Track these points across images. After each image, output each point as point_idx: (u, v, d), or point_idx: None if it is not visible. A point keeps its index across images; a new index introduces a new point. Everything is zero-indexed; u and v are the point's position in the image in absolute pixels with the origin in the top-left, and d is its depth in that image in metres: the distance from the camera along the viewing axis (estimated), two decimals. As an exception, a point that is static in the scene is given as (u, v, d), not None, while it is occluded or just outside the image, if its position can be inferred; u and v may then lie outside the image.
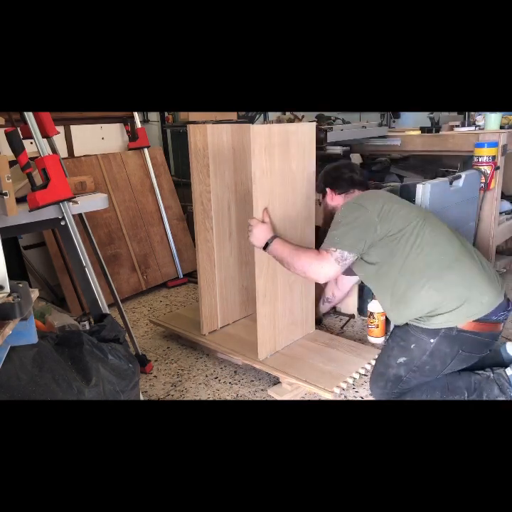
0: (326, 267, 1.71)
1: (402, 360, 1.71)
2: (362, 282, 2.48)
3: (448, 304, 1.62)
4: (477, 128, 2.95)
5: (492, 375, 1.71)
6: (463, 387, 1.68)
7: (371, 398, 1.88)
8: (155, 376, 2.11)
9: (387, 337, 2.13)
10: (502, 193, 2.81)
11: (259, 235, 1.83)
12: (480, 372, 1.73)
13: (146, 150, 3.20)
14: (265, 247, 1.83)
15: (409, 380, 1.71)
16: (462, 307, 1.61)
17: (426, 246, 1.67)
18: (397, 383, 1.72)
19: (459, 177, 2.42)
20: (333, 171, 2.02)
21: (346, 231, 1.71)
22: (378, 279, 1.77)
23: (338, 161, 2.31)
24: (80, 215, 1.87)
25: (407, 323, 1.73)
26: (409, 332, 1.71)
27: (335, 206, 1.95)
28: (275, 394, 1.90)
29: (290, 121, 3.53)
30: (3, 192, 1.36)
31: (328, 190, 1.99)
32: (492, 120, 2.79)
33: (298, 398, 1.91)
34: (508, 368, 1.70)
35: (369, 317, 2.27)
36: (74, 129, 3.05)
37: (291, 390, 1.90)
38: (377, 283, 1.80)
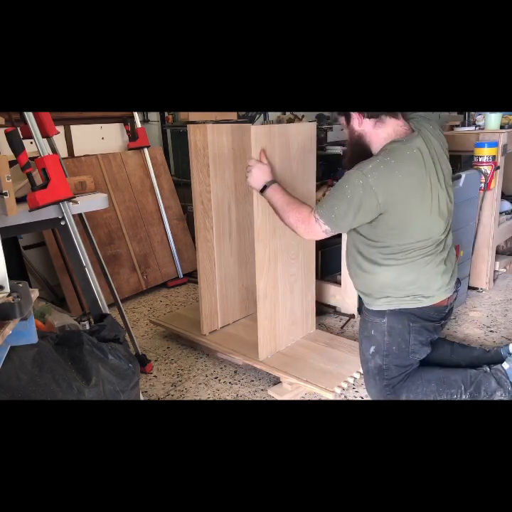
0: (313, 234, 1.69)
1: (372, 349, 1.74)
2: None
3: (397, 292, 1.69)
4: (477, 128, 2.95)
5: (489, 369, 1.71)
6: (459, 380, 1.68)
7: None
8: (155, 376, 2.11)
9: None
10: (502, 193, 2.81)
11: (258, 176, 1.76)
12: (477, 368, 1.74)
13: (146, 150, 3.20)
14: (263, 190, 1.77)
15: (390, 368, 1.71)
16: (407, 299, 1.69)
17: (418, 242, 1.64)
18: (381, 374, 1.72)
19: (459, 177, 2.42)
20: None
21: (345, 211, 1.56)
22: (357, 242, 1.73)
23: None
24: (80, 215, 1.87)
25: (363, 312, 1.83)
26: (365, 320, 1.79)
27: (362, 133, 1.66)
28: (275, 394, 1.90)
29: (290, 121, 3.53)
30: (3, 192, 1.36)
31: (353, 113, 1.65)
32: (492, 120, 2.79)
33: (298, 398, 1.91)
34: (505, 363, 1.70)
35: None
36: (74, 129, 3.05)
37: (292, 389, 1.90)
38: (355, 245, 1.75)
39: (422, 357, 1.75)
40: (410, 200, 1.56)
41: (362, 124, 1.65)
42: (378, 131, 1.63)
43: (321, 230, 1.64)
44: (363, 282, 1.76)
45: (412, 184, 1.55)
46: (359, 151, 1.67)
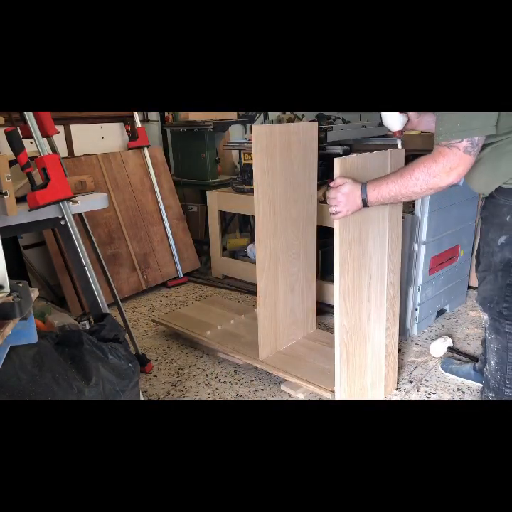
0: (457, 165, 1.30)
1: (503, 239, 1.39)
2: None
3: None
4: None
5: None
6: None
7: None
8: (155, 376, 2.11)
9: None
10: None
11: (350, 198, 1.45)
12: None
13: (146, 149, 3.20)
14: (366, 204, 1.46)
15: None
16: None
17: None
18: (508, 271, 1.39)
19: (459, 176, 2.42)
20: None
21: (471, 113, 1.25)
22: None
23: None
24: (80, 214, 1.87)
25: (493, 195, 1.43)
26: (499, 203, 1.41)
27: None
28: (289, 389, 1.89)
29: (290, 120, 3.53)
30: (3, 191, 1.36)
31: None
32: (492, 120, 2.78)
33: (310, 392, 1.89)
34: None
35: None
36: (74, 128, 3.05)
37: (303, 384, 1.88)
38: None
39: None
40: None
41: None
42: None
43: (462, 151, 1.28)
44: (500, 172, 1.39)
45: None
46: None
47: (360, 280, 1.63)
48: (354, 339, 1.66)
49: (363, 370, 1.74)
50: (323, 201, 2.54)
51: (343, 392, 1.66)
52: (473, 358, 2.11)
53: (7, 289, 0.92)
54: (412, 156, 3.17)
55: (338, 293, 1.56)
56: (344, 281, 1.57)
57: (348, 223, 1.53)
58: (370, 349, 1.75)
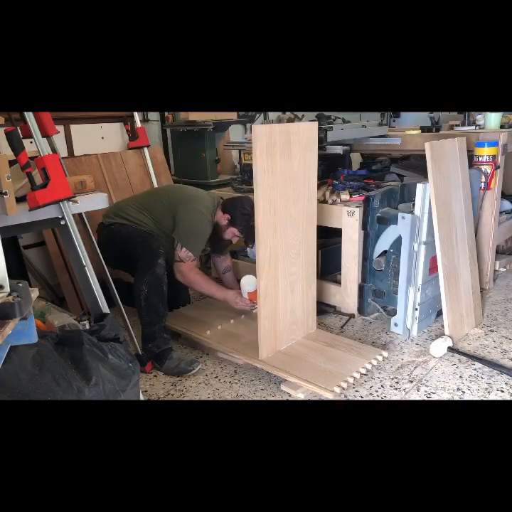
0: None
1: None
2: (362, 281, 2.49)
3: None
4: (477, 127, 2.95)
5: None
6: None
7: (370, 398, 1.89)
8: (155, 375, 2.11)
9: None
10: (502, 192, 2.81)
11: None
12: None
13: (146, 149, 3.19)
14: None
15: None
16: None
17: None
18: None
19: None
20: None
21: None
22: None
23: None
24: (80, 214, 1.87)
25: None
26: None
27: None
28: (289, 389, 1.90)
29: (290, 120, 3.53)
30: (3, 191, 1.36)
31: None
32: (492, 119, 2.79)
33: (310, 392, 1.89)
34: None
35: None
36: (74, 128, 3.05)
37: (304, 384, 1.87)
38: None
39: None
40: None
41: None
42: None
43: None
44: None
45: None
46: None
47: (449, 228, 2.24)
48: (451, 275, 2.27)
49: (459, 300, 2.33)
50: (323, 201, 2.54)
51: (449, 316, 2.24)
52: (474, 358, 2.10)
53: (7, 289, 0.92)
54: (412, 156, 3.19)
55: (438, 237, 2.17)
56: (442, 227, 2.20)
57: (439, 187, 2.18)
58: (461, 284, 2.35)
